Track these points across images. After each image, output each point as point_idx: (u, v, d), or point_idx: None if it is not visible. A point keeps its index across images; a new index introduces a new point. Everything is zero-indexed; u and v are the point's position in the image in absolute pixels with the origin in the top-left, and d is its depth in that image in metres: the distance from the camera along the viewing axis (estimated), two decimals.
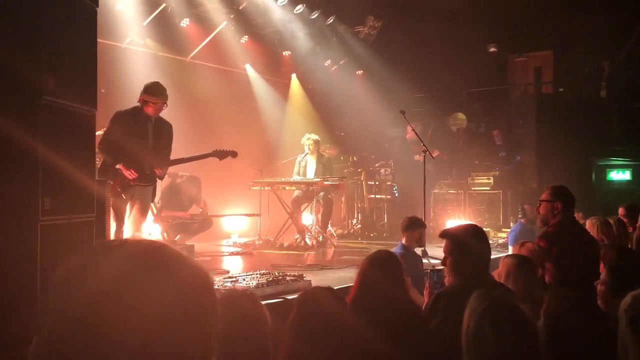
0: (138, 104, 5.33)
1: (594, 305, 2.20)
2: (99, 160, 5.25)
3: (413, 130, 7.88)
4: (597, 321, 2.11)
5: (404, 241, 5.23)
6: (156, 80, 5.51)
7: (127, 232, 5.30)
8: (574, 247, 4.11)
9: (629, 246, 4.72)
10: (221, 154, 5.67)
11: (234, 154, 5.72)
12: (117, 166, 5.19)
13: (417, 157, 8.92)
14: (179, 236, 7.33)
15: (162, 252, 0.87)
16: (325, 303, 2.35)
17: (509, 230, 8.74)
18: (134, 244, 0.90)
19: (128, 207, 5.32)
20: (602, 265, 3.61)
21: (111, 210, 5.21)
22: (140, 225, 5.36)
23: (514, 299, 2.03)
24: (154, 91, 5.28)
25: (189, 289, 0.86)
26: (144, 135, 5.31)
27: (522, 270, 3.13)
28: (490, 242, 7.75)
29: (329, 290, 2.56)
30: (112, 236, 5.19)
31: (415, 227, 5.24)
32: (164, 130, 5.44)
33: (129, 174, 5.18)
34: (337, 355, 2.21)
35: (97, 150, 5.08)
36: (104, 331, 0.78)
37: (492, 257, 3.17)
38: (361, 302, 2.76)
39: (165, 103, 5.32)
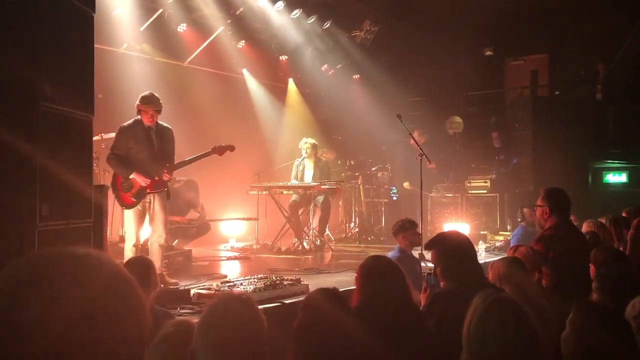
0: (138, 116, 5.46)
1: (622, 318, 2.20)
2: (109, 165, 5.48)
3: (413, 139, 7.87)
4: (627, 334, 2.10)
5: (398, 245, 5.25)
6: (155, 84, 5.55)
7: (155, 235, 5.38)
8: (571, 250, 4.11)
9: (624, 246, 4.72)
10: (220, 150, 5.85)
11: (231, 148, 5.89)
12: (131, 176, 5.31)
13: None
14: (176, 241, 7.32)
15: (119, 278, 0.89)
16: (329, 308, 2.34)
17: (506, 233, 8.76)
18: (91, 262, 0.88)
19: (132, 212, 5.38)
20: (592, 268, 3.62)
21: (128, 219, 5.36)
22: (166, 227, 5.50)
23: (517, 300, 2.05)
24: (143, 100, 5.44)
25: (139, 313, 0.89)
26: (149, 144, 5.45)
27: (512, 271, 3.13)
28: (487, 245, 7.93)
29: (332, 292, 2.52)
30: (131, 242, 5.31)
31: (400, 231, 5.23)
32: (166, 136, 5.59)
33: (144, 182, 5.32)
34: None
35: (107, 162, 5.55)
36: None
37: (488, 260, 3.17)
38: (366, 313, 2.72)
39: (157, 110, 5.45)
